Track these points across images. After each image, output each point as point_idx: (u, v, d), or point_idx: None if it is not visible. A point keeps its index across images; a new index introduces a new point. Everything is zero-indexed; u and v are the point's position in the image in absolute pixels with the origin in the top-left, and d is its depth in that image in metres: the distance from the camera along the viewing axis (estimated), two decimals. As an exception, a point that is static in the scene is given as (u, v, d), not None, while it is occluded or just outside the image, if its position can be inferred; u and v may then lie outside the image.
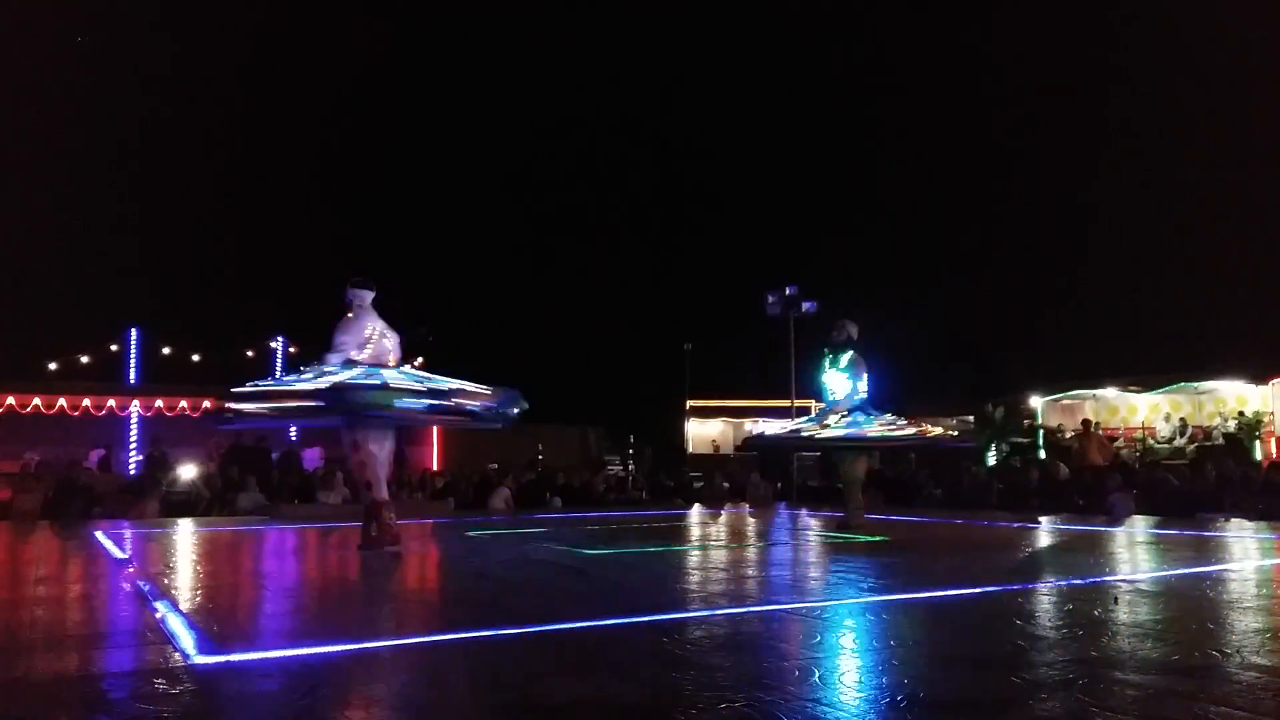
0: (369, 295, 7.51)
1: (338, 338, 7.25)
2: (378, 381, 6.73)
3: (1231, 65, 24.72)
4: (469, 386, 7.05)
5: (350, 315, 7.38)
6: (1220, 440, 17.43)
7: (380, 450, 7.36)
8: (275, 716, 2.68)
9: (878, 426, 9.17)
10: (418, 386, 6.94)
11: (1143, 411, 19.56)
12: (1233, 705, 2.70)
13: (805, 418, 10.04)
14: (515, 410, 7.13)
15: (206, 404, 7.10)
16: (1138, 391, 19.48)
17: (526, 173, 34.05)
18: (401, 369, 7.36)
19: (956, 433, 11.42)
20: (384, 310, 7.67)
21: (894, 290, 27.98)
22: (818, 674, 3.08)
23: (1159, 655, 3.45)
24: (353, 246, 28.57)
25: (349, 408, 6.73)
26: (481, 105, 35.28)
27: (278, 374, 7.48)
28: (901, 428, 9.35)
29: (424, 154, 34.98)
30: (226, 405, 6.86)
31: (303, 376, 7.11)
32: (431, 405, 6.86)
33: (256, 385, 7.04)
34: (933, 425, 10.38)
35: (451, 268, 31.29)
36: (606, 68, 34.03)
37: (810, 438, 9.49)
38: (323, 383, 6.77)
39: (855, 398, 9.31)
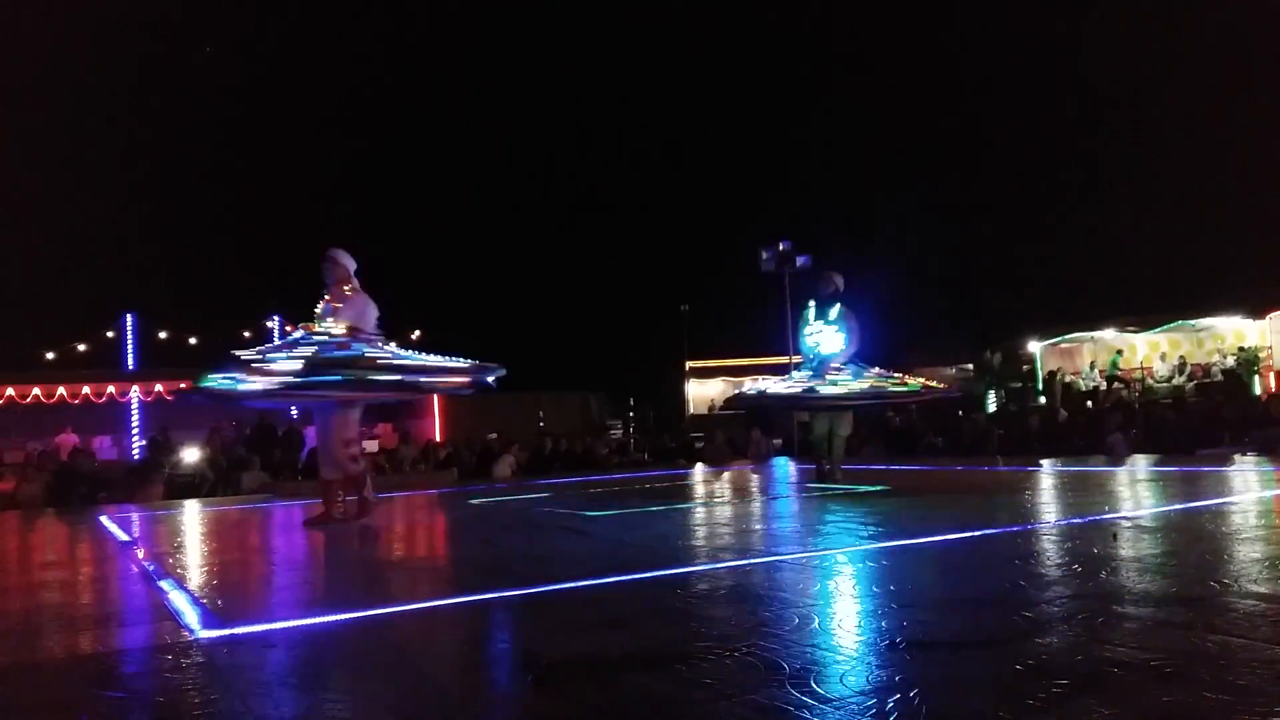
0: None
1: (372, 313, 7.26)
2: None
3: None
4: (446, 363, 7.09)
5: (354, 287, 7.34)
6: (1219, 377, 17.46)
7: (348, 428, 7.33)
8: (280, 684, 2.70)
9: (869, 381, 9.17)
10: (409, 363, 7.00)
11: (1142, 351, 19.57)
12: (1229, 633, 2.72)
13: (793, 374, 9.98)
14: (490, 378, 7.13)
15: (216, 379, 6.72)
16: (1136, 331, 19.48)
17: (519, 141, 33.84)
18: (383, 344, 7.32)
19: (944, 385, 11.41)
20: (377, 283, 7.67)
21: (888, 240, 27.90)
22: (818, 620, 3.10)
23: (1158, 589, 3.47)
24: (346, 220, 28.45)
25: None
26: (473, 73, 35.00)
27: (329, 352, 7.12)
28: (891, 381, 9.37)
29: (416, 124, 34.71)
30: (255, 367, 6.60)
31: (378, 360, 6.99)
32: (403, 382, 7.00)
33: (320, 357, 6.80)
34: (923, 378, 10.41)
35: (448, 239, 31.20)
36: (597, 32, 33.67)
37: (801, 395, 9.45)
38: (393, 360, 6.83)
39: (847, 351, 9.29)
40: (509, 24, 34.52)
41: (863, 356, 9.34)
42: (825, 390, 9.05)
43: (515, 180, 34.45)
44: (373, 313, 7.27)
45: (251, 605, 4.26)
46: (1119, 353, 19.31)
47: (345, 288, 7.31)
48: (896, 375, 9.66)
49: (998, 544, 4.88)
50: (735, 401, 11.18)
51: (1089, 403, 17.91)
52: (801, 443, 16.67)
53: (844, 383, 9.07)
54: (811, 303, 9.57)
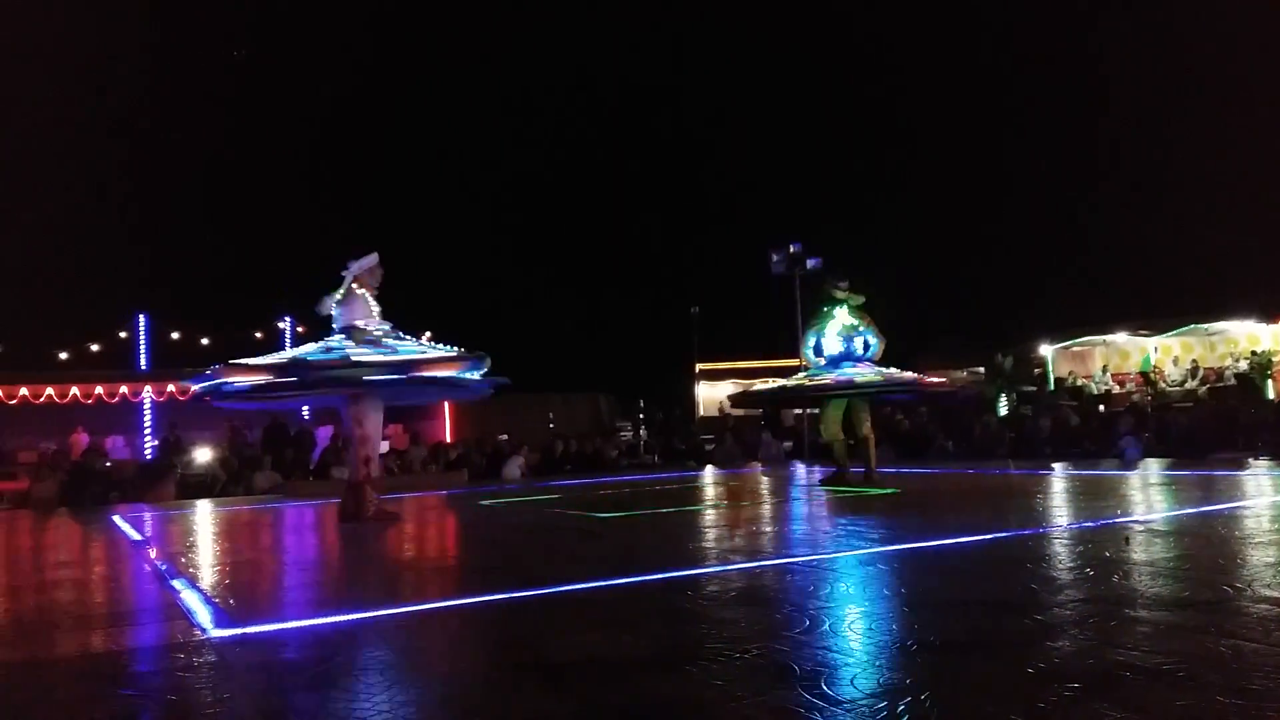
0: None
1: (358, 310, 7.36)
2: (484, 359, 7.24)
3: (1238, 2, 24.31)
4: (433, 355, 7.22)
5: (364, 290, 7.43)
6: (1232, 381, 17.35)
7: (379, 427, 7.44)
8: (291, 683, 2.71)
9: (872, 376, 9.21)
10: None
11: (1154, 355, 19.47)
12: (1242, 637, 2.71)
13: (805, 372, 9.98)
14: (477, 374, 7.22)
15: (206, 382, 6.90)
16: (1148, 335, 19.37)
17: (530, 141, 33.93)
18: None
19: (945, 380, 11.41)
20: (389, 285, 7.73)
21: (899, 242, 27.84)
22: (829, 623, 3.10)
23: (1170, 592, 3.46)
24: (356, 223, 28.52)
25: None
26: (484, 72, 35.09)
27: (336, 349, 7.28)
28: (895, 376, 9.41)
29: (427, 124, 34.78)
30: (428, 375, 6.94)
31: (379, 350, 7.09)
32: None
33: (368, 355, 6.94)
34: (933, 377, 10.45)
35: (458, 240, 31.25)
36: (614, 31, 33.69)
37: (807, 389, 9.49)
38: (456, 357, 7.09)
39: (870, 353, 9.35)
40: (519, 23, 34.61)
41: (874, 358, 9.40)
42: (826, 381, 9.13)
43: (526, 180, 34.51)
44: (359, 310, 7.35)
45: (263, 605, 4.28)
46: (1154, 350, 19.16)
47: (354, 288, 7.44)
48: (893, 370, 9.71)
49: (1009, 547, 4.86)
50: (741, 399, 11.30)
51: (1101, 406, 17.82)
52: (813, 445, 16.65)
53: (851, 377, 9.15)
54: (831, 305, 9.56)
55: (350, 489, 7.49)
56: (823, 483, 9.47)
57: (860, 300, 9.49)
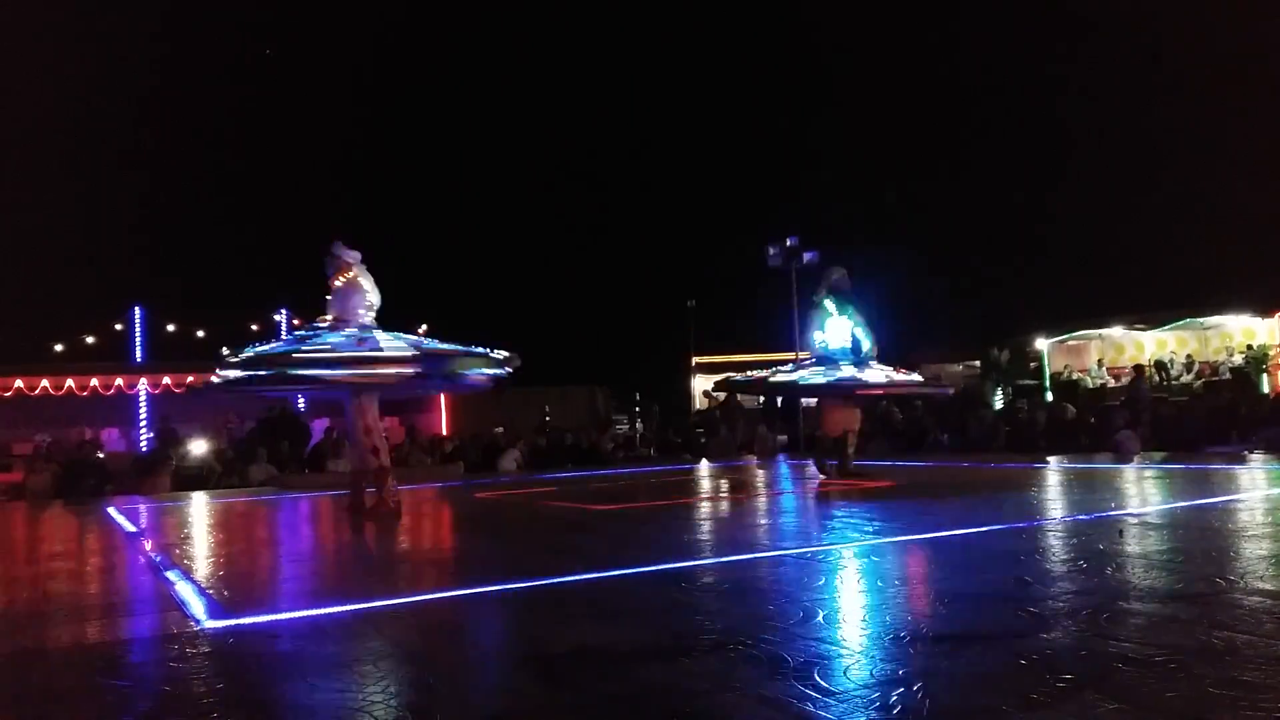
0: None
1: (356, 301, 7.29)
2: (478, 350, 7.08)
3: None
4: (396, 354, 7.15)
5: (349, 278, 7.36)
6: (1228, 375, 17.39)
7: (377, 417, 7.43)
8: (285, 674, 2.71)
9: (875, 372, 9.19)
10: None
11: (1150, 349, 19.49)
12: (1234, 629, 2.72)
13: (803, 365, 9.93)
14: (447, 370, 7.18)
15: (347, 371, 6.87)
16: (1144, 329, 19.39)
17: (527, 136, 33.87)
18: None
19: (933, 378, 11.37)
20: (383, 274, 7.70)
21: (895, 236, 27.83)
22: (822, 614, 3.10)
23: (1164, 585, 3.47)
24: (355, 213, 28.47)
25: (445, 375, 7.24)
26: (483, 67, 35.02)
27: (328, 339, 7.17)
28: (894, 374, 9.40)
29: (425, 118, 34.70)
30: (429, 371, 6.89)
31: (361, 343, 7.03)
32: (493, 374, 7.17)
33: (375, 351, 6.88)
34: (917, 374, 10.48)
35: (455, 232, 31.22)
36: (606, 26, 33.65)
37: (808, 384, 9.47)
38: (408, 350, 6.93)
39: (863, 347, 9.32)
40: (520, 17, 34.52)
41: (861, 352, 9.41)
42: (830, 379, 9.09)
43: (523, 174, 34.49)
44: (359, 301, 7.28)
45: (257, 596, 4.28)
46: (1175, 346, 18.99)
47: (339, 279, 7.37)
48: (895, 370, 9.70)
49: (1003, 540, 4.87)
50: (729, 385, 11.31)
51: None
52: (809, 438, 16.65)
53: (857, 373, 9.12)
54: (828, 298, 9.49)
55: (356, 479, 7.50)
56: (829, 472, 9.36)
57: (840, 293, 9.45)
